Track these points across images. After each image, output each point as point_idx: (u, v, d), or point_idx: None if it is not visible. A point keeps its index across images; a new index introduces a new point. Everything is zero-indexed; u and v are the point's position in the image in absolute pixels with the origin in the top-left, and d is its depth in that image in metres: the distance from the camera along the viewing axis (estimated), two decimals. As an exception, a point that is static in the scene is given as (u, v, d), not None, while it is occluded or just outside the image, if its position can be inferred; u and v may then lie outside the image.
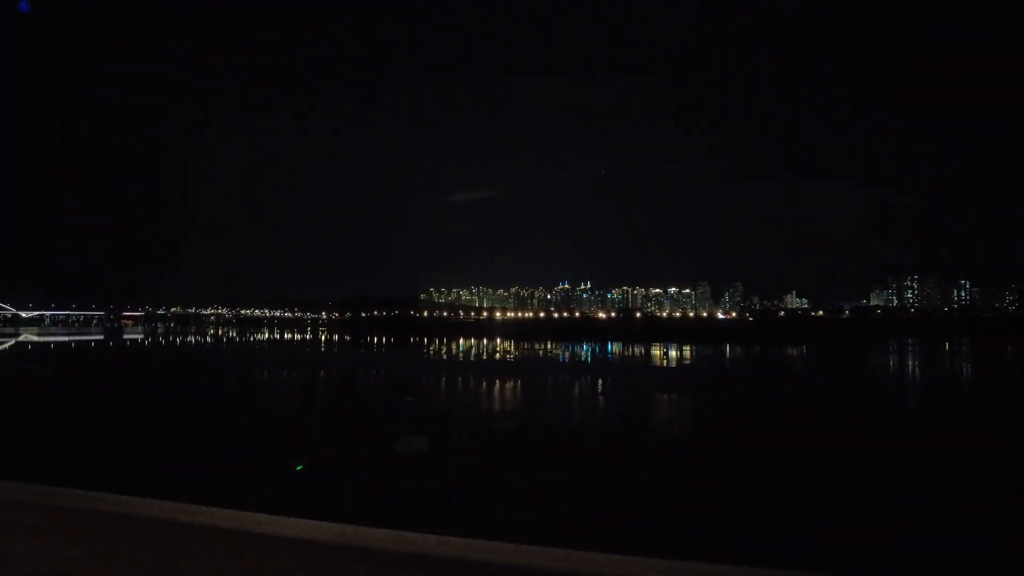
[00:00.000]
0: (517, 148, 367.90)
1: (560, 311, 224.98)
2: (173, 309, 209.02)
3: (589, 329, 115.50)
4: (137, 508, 2.17)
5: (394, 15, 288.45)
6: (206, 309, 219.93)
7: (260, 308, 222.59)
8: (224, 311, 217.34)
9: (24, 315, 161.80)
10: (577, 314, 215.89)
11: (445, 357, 47.29)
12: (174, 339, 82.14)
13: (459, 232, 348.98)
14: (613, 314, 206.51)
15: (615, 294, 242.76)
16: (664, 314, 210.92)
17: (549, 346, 62.09)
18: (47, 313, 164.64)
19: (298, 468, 11.74)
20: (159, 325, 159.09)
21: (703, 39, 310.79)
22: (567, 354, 51.89)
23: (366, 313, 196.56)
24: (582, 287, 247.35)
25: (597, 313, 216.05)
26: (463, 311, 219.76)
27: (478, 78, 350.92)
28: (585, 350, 57.30)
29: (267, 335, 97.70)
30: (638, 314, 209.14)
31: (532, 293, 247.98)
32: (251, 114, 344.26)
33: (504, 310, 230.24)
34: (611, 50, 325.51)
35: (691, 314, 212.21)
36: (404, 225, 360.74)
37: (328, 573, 1.87)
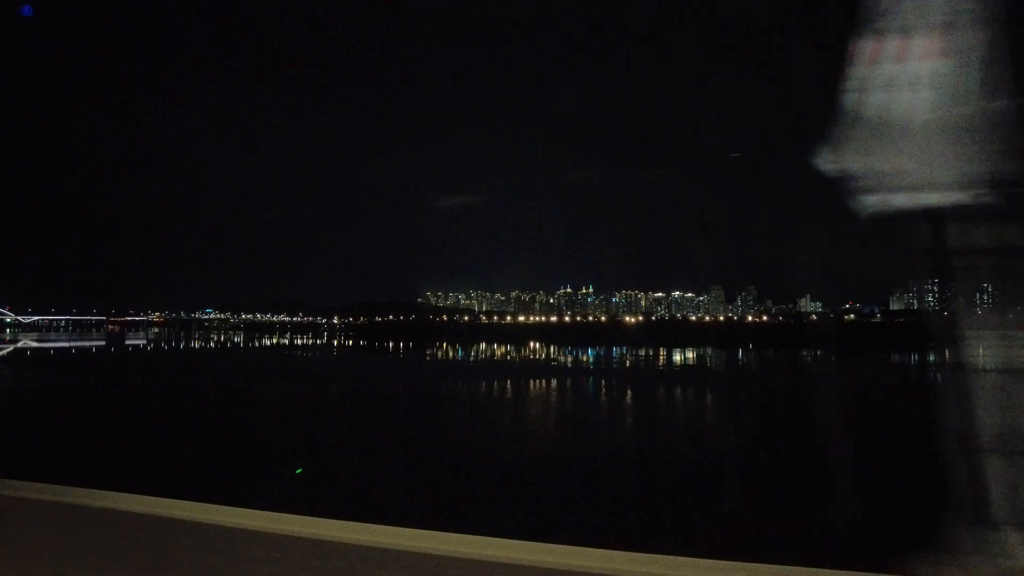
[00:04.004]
0: (503, 153, 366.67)
1: (584, 315, 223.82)
2: (155, 315, 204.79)
3: (621, 334, 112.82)
4: (146, 507, 2.23)
5: (386, 22, 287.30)
6: (206, 314, 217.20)
7: (259, 313, 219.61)
8: (226, 315, 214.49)
9: (22, 319, 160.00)
10: (603, 318, 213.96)
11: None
12: (180, 345, 79.25)
13: (450, 236, 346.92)
14: (641, 318, 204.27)
15: (619, 298, 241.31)
16: (694, 318, 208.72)
17: (600, 352, 59.38)
18: (24, 319, 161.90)
19: (298, 471, 11.67)
20: (159, 330, 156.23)
21: (706, 35, 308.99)
22: (645, 362, 49.14)
23: (381, 318, 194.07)
24: (584, 291, 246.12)
25: (626, 317, 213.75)
26: (485, 316, 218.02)
27: (463, 81, 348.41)
28: (667, 358, 54.37)
29: (278, 340, 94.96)
30: (667, 318, 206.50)
31: (533, 297, 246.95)
32: (241, 120, 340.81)
33: (529, 314, 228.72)
34: (608, 49, 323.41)
35: (721, 318, 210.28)
36: (394, 230, 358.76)
37: (331, 570, 1.95)
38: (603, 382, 31.86)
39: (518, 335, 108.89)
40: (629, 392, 27.31)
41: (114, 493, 2.32)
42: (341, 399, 24.59)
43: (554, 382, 30.62)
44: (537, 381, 31.12)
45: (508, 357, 52.78)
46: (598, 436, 16.64)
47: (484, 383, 30.48)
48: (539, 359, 49.88)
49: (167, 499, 2.27)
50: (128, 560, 2.18)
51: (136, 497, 2.29)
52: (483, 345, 75.56)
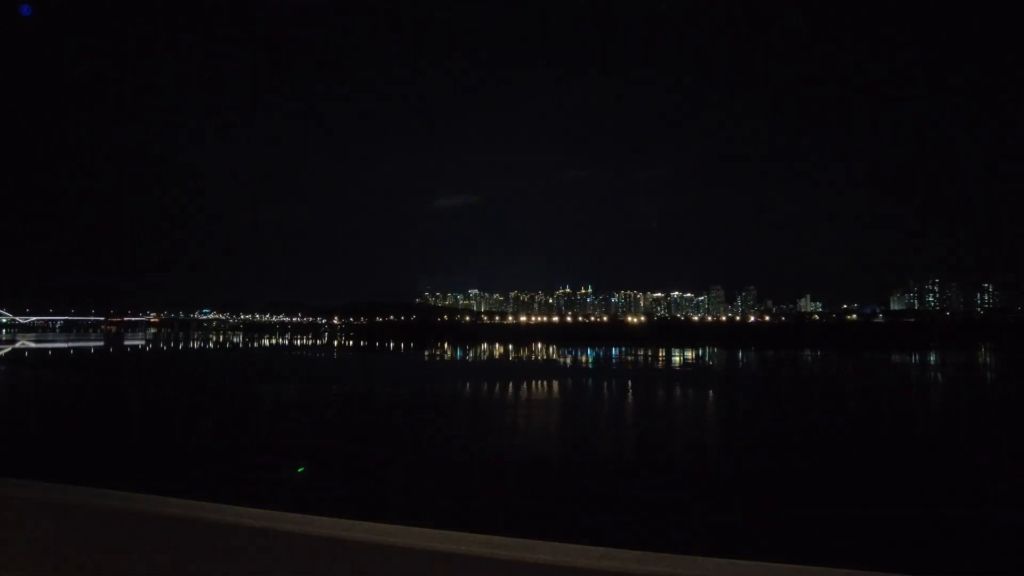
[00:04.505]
0: (503, 153, 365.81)
1: (584, 315, 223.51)
2: (153, 315, 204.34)
3: (621, 333, 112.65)
4: (149, 505, 2.26)
5: (384, 24, 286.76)
6: (203, 314, 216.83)
7: (258, 313, 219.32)
8: (224, 316, 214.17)
9: (19, 320, 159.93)
10: (604, 318, 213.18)
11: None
12: (180, 345, 79.07)
13: (450, 236, 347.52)
14: (642, 318, 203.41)
15: (618, 298, 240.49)
16: (695, 318, 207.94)
17: (600, 352, 59.14)
18: (22, 319, 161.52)
19: (299, 470, 11.96)
20: (157, 331, 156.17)
21: (706, 33, 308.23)
22: (646, 362, 48.95)
23: (381, 318, 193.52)
24: (583, 291, 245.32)
25: (627, 317, 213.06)
26: (485, 316, 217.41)
27: (463, 82, 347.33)
28: (682, 359, 54.25)
29: (278, 341, 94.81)
30: (668, 317, 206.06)
31: (532, 297, 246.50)
32: (242, 120, 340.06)
33: (529, 314, 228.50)
34: (609, 44, 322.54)
35: (722, 318, 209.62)
36: (394, 230, 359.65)
37: (333, 568, 1.96)
38: (604, 383, 31.85)
39: (518, 335, 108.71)
40: (631, 392, 27.33)
41: (114, 492, 2.32)
42: (341, 399, 24.59)
43: (555, 383, 30.66)
44: (539, 381, 31.27)
45: (509, 357, 52.75)
46: (600, 436, 16.64)
47: (486, 384, 30.57)
48: (539, 359, 49.85)
49: (167, 498, 2.28)
50: (128, 559, 2.18)
51: (136, 496, 2.29)
52: (483, 345, 75.43)
